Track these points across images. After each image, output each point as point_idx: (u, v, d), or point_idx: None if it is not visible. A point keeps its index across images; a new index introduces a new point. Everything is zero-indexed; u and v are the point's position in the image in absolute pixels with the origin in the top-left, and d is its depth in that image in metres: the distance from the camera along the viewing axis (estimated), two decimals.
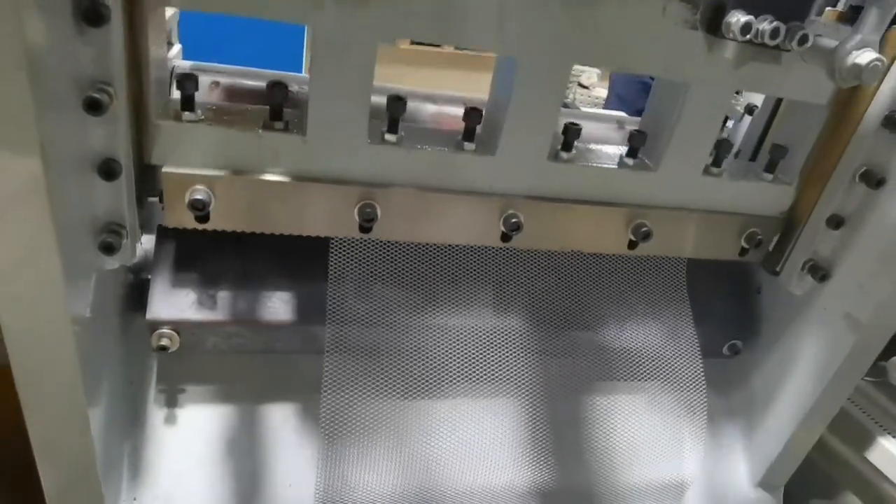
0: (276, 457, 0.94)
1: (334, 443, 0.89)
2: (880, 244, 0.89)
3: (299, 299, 0.90)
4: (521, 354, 0.97)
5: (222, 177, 0.74)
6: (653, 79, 0.91)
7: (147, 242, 0.85)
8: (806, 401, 1.02)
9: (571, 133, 0.84)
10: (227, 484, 0.91)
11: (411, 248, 0.89)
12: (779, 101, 1.02)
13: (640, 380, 1.03)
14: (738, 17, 0.68)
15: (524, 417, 1.00)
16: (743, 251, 0.98)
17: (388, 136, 0.79)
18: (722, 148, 0.90)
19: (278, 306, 0.89)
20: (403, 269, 0.89)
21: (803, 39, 0.69)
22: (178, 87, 0.72)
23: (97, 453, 0.75)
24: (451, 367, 0.93)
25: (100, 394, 0.76)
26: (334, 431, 0.88)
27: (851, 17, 0.75)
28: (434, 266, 0.91)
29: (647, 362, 1.03)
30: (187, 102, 0.72)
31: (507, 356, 0.97)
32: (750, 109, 1.14)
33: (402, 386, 0.92)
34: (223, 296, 0.87)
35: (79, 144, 0.63)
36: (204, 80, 0.96)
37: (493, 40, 0.72)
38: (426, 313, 0.93)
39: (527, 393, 0.99)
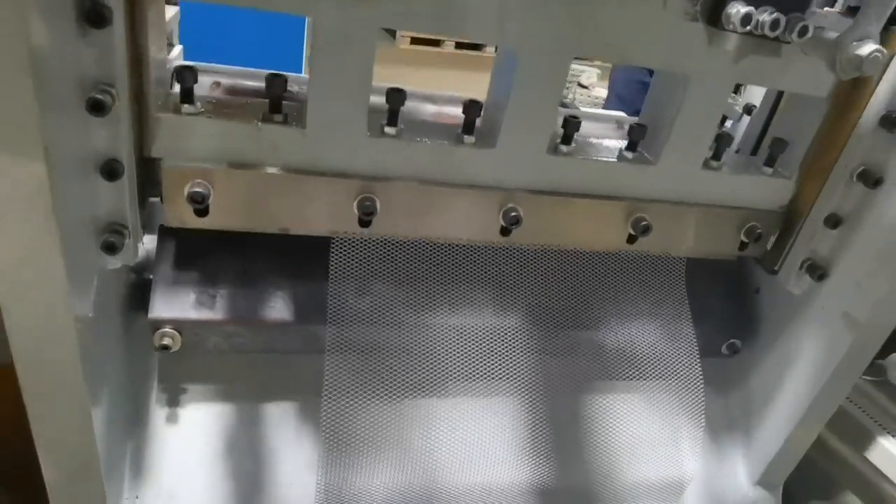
0: (277, 455, 0.94)
1: (335, 442, 0.89)
2: (878, 243, 0.90)
3: (300, 299, 0.90)
4: (522, 353, 0.98)
5: (221, 170, 0.74)
6: (652, 74, 0.91)
7: (149, 242, 0.85)
8: (804, 400, 1.03)
9: (571, 126, 0.84)
10: (228, 482, 0.91)
11: (412, 246, 0.89)
12: (779, 97, 1.02)
13: (639, 379, 1.04)
14: (738, 9, 0.68)
15: (524, 416, 1.00)
16: (742, 245, 0.98)
17: (387, 129, 0.79)
18: (722, 141, 0.90)
19: (279, 306, 0.89)
20: (403, 269, 0.90)
21: (803, 31, 0.69)
22: (178, 80, 0.72)
23: (100, 452, 0.75)
24: (450, 366, 0.94)
25: (102, 393, 0.77)
26: (335, 430, 0.88)
27: (855, 6, 0.75)
28: (434, 265, 0.91)
29: (646, 361, 1.03)
30: (186, 95, 0.72)
31: (507, 355, 0.97)
32: (748, 109, 1.14)
33: (403, 385, 0.92)
34: (224, 295, 0.88)
35: (81, 145, 0.63)
36: (205, 81, 0.96)
37: (492, 32, 0.73)
38: (426, 312, 0.94)
39: (527, 392, 0.99)
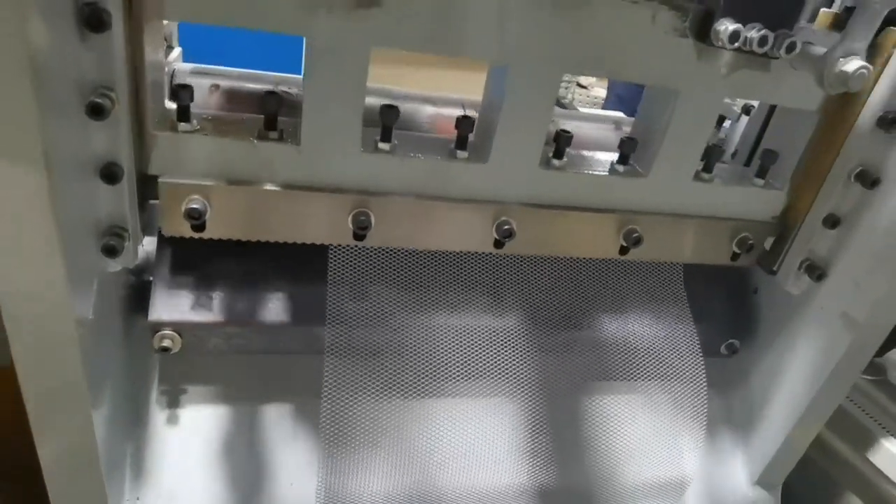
0: (278, 456, 0.94)
1: (335, 442, 0.89)
2: (876, 243, 0.90)
3: (300, 300, 0.91)
4: (521, 354, 0.98)
5: (218, 186, 0.75)
6: None
7: (149, 245, 0.86)
8: (803, 399, 1.03)
9: (563, 140, 0.85)
10: (228, 483, 0.91)
11: (409, 252, 0.90)
12: (773, 106, 1.03)
13: (639, 379, 1.04)
14: (726, 26, 0.68)
15: (524, 417, 1.01)
16: (734, 256, 0.99)
17: (381, 145, 0.79)
18: (713, 154, 0.91)
19: (279, 307, 0.90)
20: (401, 274, 0.90)
21: (791, 47, 0.70)
22: (174, 99, 0.73)
23: (100, 453, 0.76)
24: (450, 366, 0.94)
25: (103, 394, 0.77)
26: (335, 431, 0.89)
27: (846, 18, 0.76)
28: (431, 270, 0.92)
29: (646, 362, 1.04)
30: (183, 113, 0.73)
31: (507, 356, 0.97)
32: (747, 109, 1.14)
33: (402, 385, 0.92)
34: (224, 297, 0.88)
35: (81, 148, 0.63)
36: (204, 83, 0.97)
37: (484, 50, 0.73)
38: (424, 314, 0.94)
39: (527, 393, 0.99)
